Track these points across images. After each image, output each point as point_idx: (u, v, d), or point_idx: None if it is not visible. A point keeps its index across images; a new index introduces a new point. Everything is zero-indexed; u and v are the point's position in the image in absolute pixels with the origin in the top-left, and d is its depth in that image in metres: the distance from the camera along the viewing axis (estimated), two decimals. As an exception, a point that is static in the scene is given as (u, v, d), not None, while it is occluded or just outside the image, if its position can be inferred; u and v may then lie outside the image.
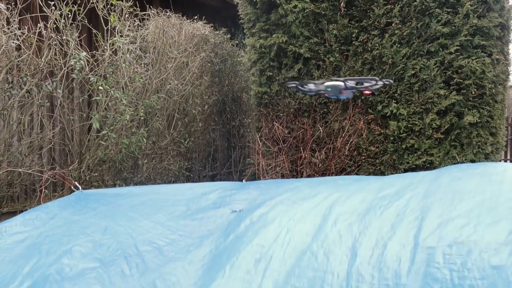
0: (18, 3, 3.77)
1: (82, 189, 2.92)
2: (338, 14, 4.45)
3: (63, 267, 2.05)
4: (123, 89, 4.18)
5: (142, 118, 4.47)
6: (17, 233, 2.39)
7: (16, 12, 3.66)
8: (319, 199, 2.34)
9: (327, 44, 4.53)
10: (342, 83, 2.66)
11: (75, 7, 3.85)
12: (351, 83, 2.67)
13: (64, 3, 3.79)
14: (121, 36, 4.16)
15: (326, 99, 4.60)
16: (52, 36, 3.77)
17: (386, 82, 2.82)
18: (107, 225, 2.42)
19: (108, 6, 4.09)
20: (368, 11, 4.38)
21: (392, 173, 4.39)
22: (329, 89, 2.73)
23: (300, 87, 2.93)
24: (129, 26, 4.31)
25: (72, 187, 2.93)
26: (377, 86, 2.71)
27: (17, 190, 3.92)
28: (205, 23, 5.76)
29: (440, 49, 4.20)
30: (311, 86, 2.89)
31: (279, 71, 4.71)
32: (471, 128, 4.19)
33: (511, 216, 1.84)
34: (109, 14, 4.09)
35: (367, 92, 2.84)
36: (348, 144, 4.48)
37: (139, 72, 4.37)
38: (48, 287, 1.96)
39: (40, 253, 2.17)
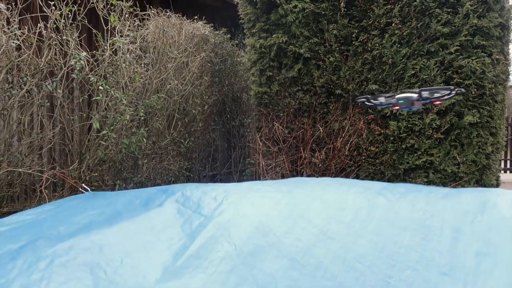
0: (18, 3, 3.77)
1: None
2: (338, 14, 4.45)
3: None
4: (123, 89, 4.17)
5: (142, 118, 4.47)
6: (23, 217, 2.42)
7: (16, 12, 3.66)
8: None
9: (327, 44, 4.53)
10: (415, 95, 2.58)
11: (75, 7, 3.85)
12: (425, 94, 2.57)
13: (64, 3, 3.78)
14: (121, 36, 4.16)
15: (325, 99, 4.60)
16: (52, 36, 3.77)
17: (459, 92, 2.70)
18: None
19: (108, 6, 4.09)
20: (368, 11, 4.38)
21: (392, 173, 4.40)
22: (401, 101, 2.65)
23: (370, 102, 2.88)
24: (129, 26, 4.31)
25: (79, 188, 2.94)
26: (450, 96, 2.59)
27: (17, 190, 3.92)
28: (205, 23, 5.76)
29: (440, 49, 4.20)
30: (381, 99, 2.83)
31: (279, 71, 4.71)
32: (471, 128, 4.19)
33: None
34: (109, 14, 4.08)
35: (438, 102, 2.78)
36: (348, 144, 4.48)
37: (139, 72, 4.37)
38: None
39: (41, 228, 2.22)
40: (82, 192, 2.90)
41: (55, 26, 3.77)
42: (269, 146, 4.75)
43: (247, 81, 6.36)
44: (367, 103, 2.94)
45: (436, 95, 2.63)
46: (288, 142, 4.67)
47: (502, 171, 10.58)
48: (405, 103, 2.65)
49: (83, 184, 2.98)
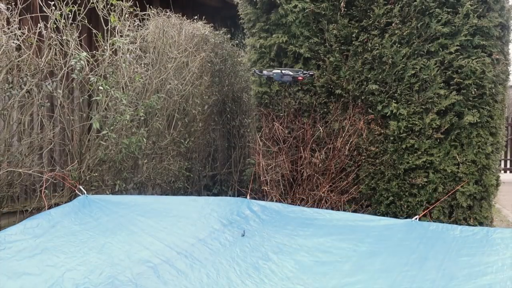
0: (18, 3, 3.77)
1: (83, 188, 2.92)
2: (338, 14, 4.45)
3: None
4: (123, 89, 4.17)
5: (142, 118, 4.47)
6: (16, 241, 2.34)
7: (16, 12, 3.66)
8: None
9: (327, 44, 4.53)
10: (279, 71, 4.26)
11: (75, 7, 3.85)
12: (286, 71, 4.25)
13: (64, 3, 3.78)
14: (121, 36, 4.16)
15: (325, 99, 4.60)
16: (52, 36, 3.76)
17: (310, 73, 4.34)
18: (105, 242, 2.39)
19: (108, 6, 4.09)
20: (368, 11, 4.38)
21: (392, 173, 4.40)
22: (275, 75, 4.27)
23: (258, 73, 4.51)
24: (129, 26, 4.31)
25: (76, 191, 2.93)
26: (304, 75, 4.21)
27: (17, 190, 3.92)
28: (205, 23, 5.76)
29: (440, 49, 4.20)
30: (265, 72, 4.42)
31: (279, 71, 4.71)
32: (471, 128, 4.19)
33: None
34: (109, 14, 4.08)
35: (300, 78, 4.27)
36: (348, 144, 4.48)
37: (139, 72, 4.37)
38: None
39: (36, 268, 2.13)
40: (79, 195, 2.89)
41: (55, 26, 3.77)
42: (269, 146, 4.75)
43: (247, 81, 6.36)
44: (258, 73, 4.49)
45: (294, 73, 4.24)
46: (288, 142, 4.67)
47: (502, 171, 10.59)
48: (277, 76, 4.26)
49: (81, 187, 2.97)
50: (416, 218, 2.84)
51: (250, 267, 2.25)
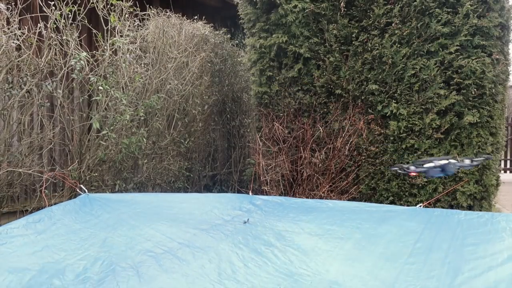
0: (18, 3, 3.77)
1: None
2: (338, 14, 4.45)
3: None
4: (123, 89, 4.17)
5: (142, 118, 4.47)
6: (17, 236, 2.37)
7: (16, 12, 3.66)
8: None
9: (327, 44, 4.53)
10: (436, 168, 2.74)
11: (75, 7, 3.85)
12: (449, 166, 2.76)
13: (64, 3, 3.78)
14: (121, 36, 4.16)
15: (325, 99, 4.60)
16: (52, 36, 3.76)
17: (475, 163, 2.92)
18: (107, 237, 2.41)
19: (108, 6, 4.09)
20: (368, 11, 4.38)
21: (392, 173, 4.39)
22: (430, 173, 2.80)
23: (405, 171, 2.92)
24: (129, 26, 4.31)
25: (77, 189, 2.93)
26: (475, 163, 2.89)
27: (17, 190, 3.92)
28: (205, 23, 5.76)
29: (440, 49, 4.20)
30: (412, 167, 2.88)
31: (279, 71, 4.71)
32: (471, 128, 4.19)
33: None
34: (109, 14, 4.08)
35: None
36: (348, 144, 4.48)
37: (139, 72, 4.37)
38: None
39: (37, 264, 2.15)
40: (80, 194, 2.90)
41: (55, 26, 3.77)
42: (269, 146, 4.75)
43: (247, 81, 6.36)
44: (405, 171, 2.91)
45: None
46: (288, 142, 4.67)
47: (502, 171, 10.58)
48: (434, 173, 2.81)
49: (81, 186, 2.97)
50: (420, 206, 2.83)
51: (253, 252, 2.26)
